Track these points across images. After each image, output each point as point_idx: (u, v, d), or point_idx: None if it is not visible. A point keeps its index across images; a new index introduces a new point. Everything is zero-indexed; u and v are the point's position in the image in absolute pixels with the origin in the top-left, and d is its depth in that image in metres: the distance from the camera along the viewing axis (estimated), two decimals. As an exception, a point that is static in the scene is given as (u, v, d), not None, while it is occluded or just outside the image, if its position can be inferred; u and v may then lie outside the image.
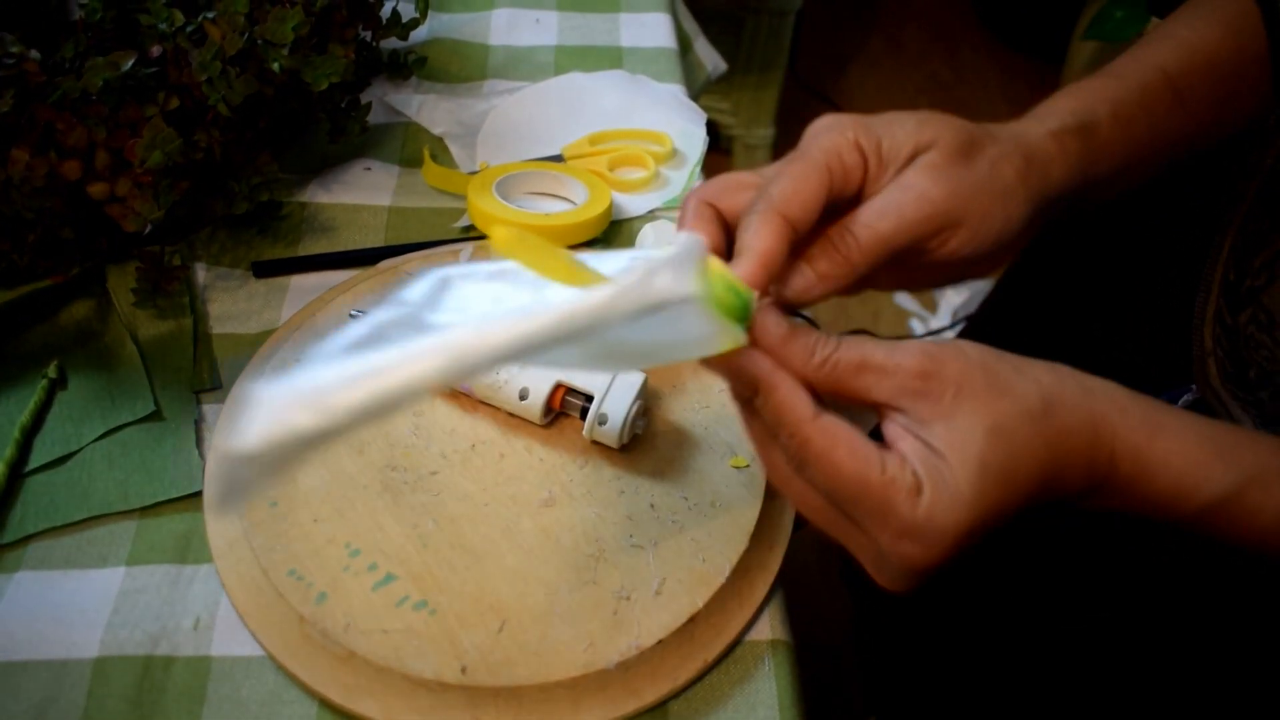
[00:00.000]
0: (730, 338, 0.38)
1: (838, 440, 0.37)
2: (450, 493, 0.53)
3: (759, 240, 0.40)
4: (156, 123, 0.57)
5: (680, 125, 0.79)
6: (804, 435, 0.38)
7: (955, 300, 1.79)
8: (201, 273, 0.66)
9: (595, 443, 0.55)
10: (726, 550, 0.51)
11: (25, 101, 0.54)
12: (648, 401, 0.57)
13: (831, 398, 0.40)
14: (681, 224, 0.44)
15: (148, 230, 0.60)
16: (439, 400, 0.57)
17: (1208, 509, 0.40)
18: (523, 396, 0.55)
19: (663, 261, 0.35)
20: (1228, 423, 0.41)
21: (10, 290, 0.61)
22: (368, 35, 0.78)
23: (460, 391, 0.57)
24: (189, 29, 0.61)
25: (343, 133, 0.73)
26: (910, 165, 0.43)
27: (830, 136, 0.44)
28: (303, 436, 0.29)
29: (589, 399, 0.54)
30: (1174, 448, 0.39)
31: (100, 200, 0.58)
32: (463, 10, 0.90)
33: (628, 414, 0.53)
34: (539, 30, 0.88)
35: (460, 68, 0.84)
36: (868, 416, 0.41)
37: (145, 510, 0.53)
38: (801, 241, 0.42)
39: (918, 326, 1.77)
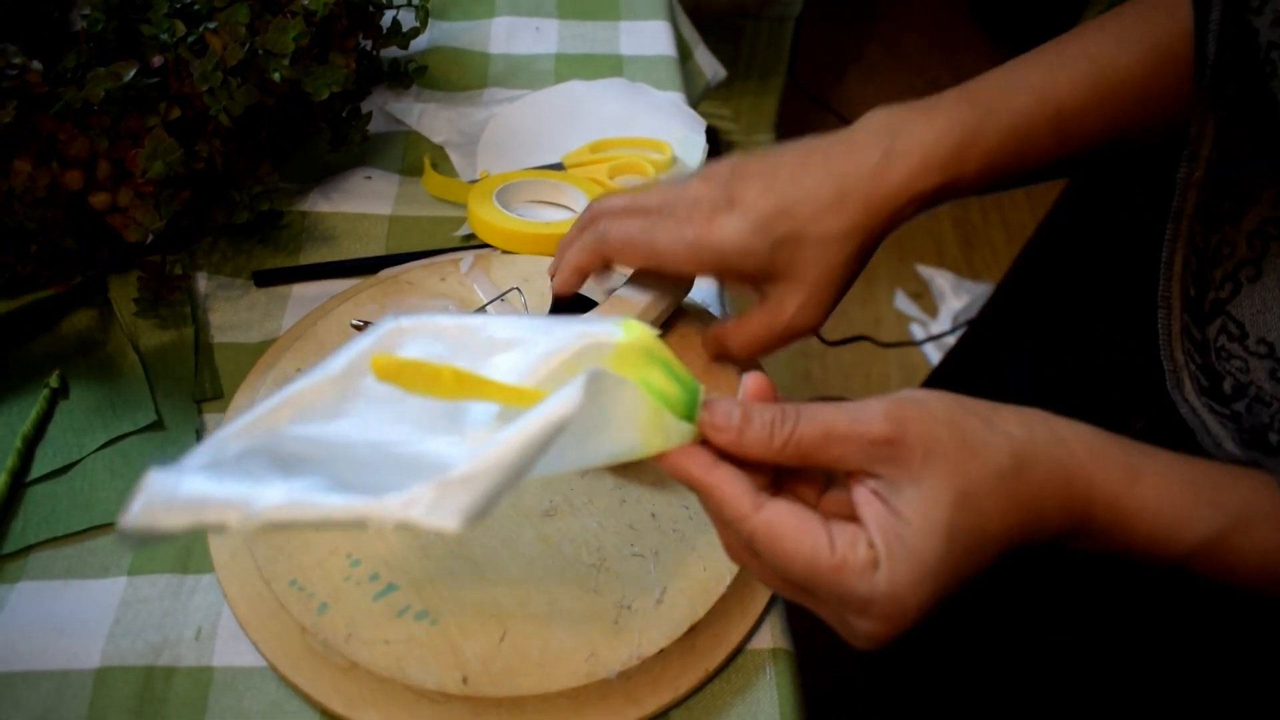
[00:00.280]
0: (677, 434, 0.38)
1: (783, 531, 0.37)
2: (451, 502, 0.53)
3: None
4: (158, 133, 0.57)
5: (680, 133, 0.79)
6: (749, 530, 0.38)
7: (956, 305, 1.79)
8: (203, 282, 0.66)
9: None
10: (728, 559, 0.51)
11: (27, 112, 0.55)
12: None
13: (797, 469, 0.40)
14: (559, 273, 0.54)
15: (149, 240, 0.60)
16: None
17: (1191, 555, 0.39)
18: None
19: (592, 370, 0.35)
20: (1210, 461, 0.41)
21: (12, 300, 0.61)
22: (368, 44, 0.79)
23: None
24: (190, 39, 0.61)
25: (343, 142, 0.73)
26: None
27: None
28: (167, 532, 0.32)
29: None
30: (1153, 494, 0.39)
31: (102, 210, 0.58)
32: (463, 19, 0.90)
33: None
34: (539, 38, 0.88)
35: (460, 76, 0.84)
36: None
37: (147, 520, 0.53)
38: None
39: (918, 331, 1.77)
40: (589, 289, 0.58)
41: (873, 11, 2.48)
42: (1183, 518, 0.39)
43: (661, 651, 0.48)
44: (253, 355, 0.61)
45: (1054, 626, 0.67)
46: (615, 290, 0.57)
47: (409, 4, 0.80)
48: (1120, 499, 0.39)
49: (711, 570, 0.51)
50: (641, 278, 0.58)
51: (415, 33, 0.79)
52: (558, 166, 0.75)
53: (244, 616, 0.49)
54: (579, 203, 0.71)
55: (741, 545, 0.40)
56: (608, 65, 0.86)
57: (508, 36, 0.88)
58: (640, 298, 0.57)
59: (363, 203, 0.72)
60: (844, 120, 2.08)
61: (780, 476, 0.41)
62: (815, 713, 0.51)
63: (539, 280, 0.65)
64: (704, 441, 0.39)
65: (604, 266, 0.56)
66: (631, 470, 0.55)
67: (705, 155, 0.78)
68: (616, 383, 0.36)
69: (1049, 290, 0.76)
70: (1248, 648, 0.54)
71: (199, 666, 0.48)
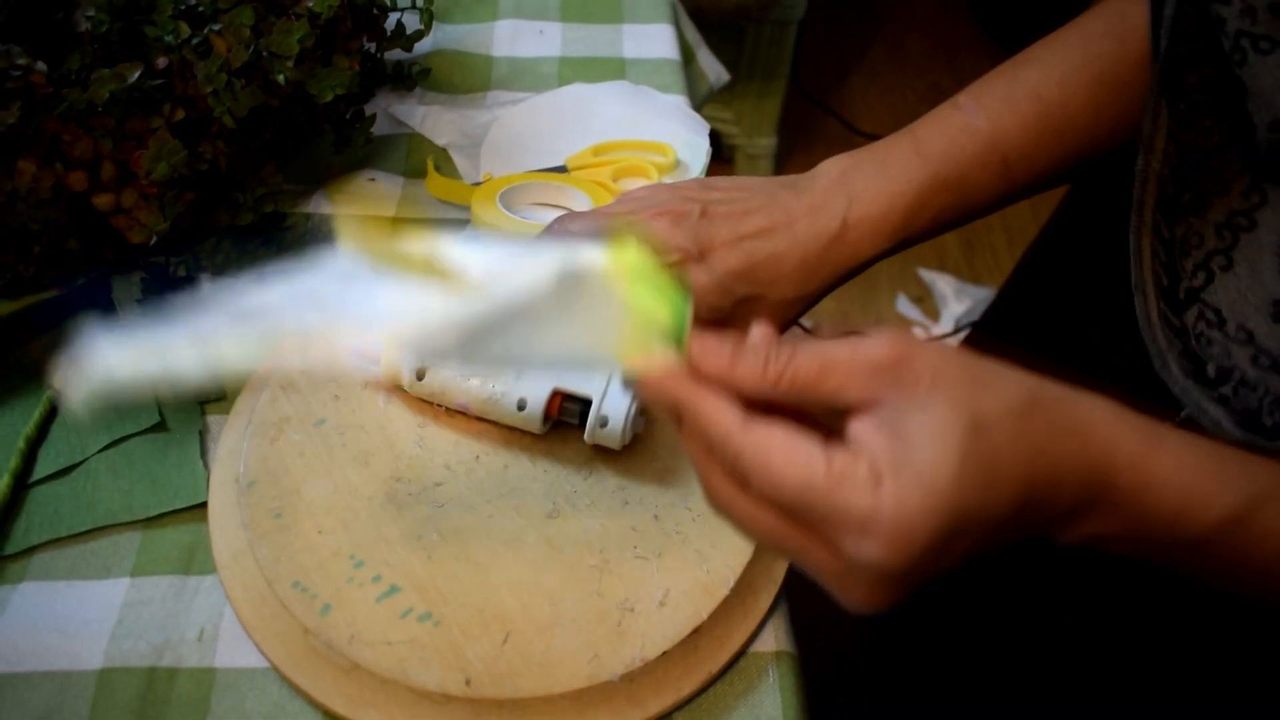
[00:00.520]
0: (660, 356, 0.37)
1: (771, 446, 0.34)
2: (454, 504, 0.53)
3: None
4: (162, 134, 0.57)
5: (684, 136, 0.79)
6: (735, 449, 0.35)
7: (958, 309, 1.79)
8: (206, 284, 0.66)
9: (597, 447, 0.55)
10: (730, 561, 0.51)
11: (31, 113, 0.55)
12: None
13: (801, 408, 0.37)
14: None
15: (153, 241, 0.60)
16: (442, 414, 0.57)
17: (1217, 529, 0.36)
18: (520, 407, 0.54)
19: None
20: (1221, 443, 0.38)
21: (15, 301, 0.61)
22: (372, 47, 0.79)
23: (457, 410, 0.57)
24: (195, 41, 0.61)
25: (347, 144, 0.73)
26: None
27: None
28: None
29: (587, 404, 0.54)
30: (1176, 461, 0.36)
31: (106, 211, 0.58)
32: (466, 21, 0.90)
33: (627, 414, 0.53)
34: (542, 41, 0.89)
35: (464, 79, 0.84)
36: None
37: (150, 521, 0.53)
38: None
39: (920, 335, 1.77)
40: None
41: (875, 15, 2.48)
42: (1209, 488, 0.36)
43: (664, 654, 0.48)
44: (256, 357, 0.61)
45: (1054, 630, 0.67)
46: None
47: (413, 6, 0.80)
48: (1144, 461, 0.35)
49: (715, 573, 0.51)
50: None
51: (419, 35, 0.79)
52: (561, 169, 0.75)
53: (246, 618, 0.49)
54: (582, 205, 0.71)
55: (725, 477, 0.37)
56: (611, 68, 0.86)
57: (511, 39, 0.88)
58: None
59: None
60: (846, 124, 2.09)
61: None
62: (818, 716, 0.51)
63: (542, 282, 0.65)
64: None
65: None
66: (634, 471, 0.55)
67: (708, 158, 0.78)
68: (596, 288, 0.36)
69: (1050, 294, 0.76)
70: (1245, 638, 0.54)
71: (201, 667, 0.48)
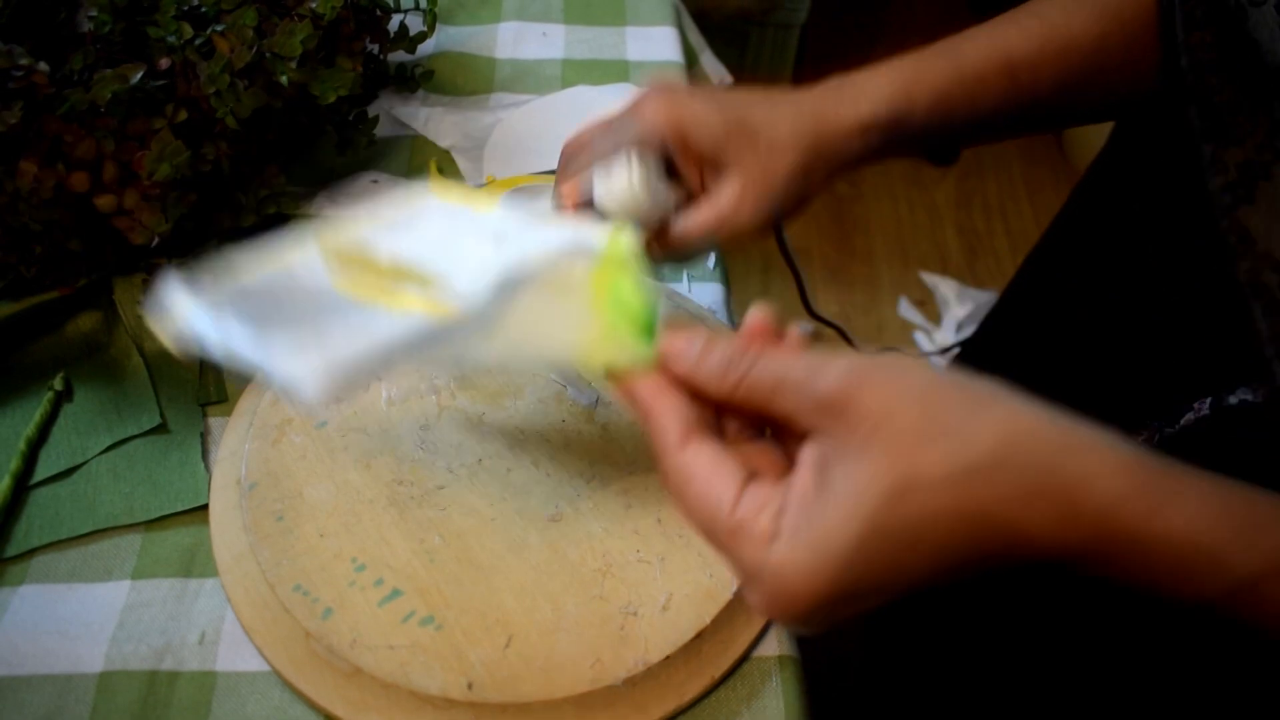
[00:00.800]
0: (634, 353, 0.38)
1: (693, 476, 0.35)
2: (457, 507, 0.53)
3: None
4: (164, 135, 0.57)
5: (687, 139, 0.79)
6: (667, 465, 0.36)
7: (960, 313, 1.79)
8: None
9: (599, 451, 0.55)
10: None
11: (34, 113, 0.54)
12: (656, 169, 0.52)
13: (758, 419, 0.38)
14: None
15: (155, 243, 0.60)
16: (446, 415, 0.57)
17: (1222, 596, 0.33)
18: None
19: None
20: (1250, 490, 0.34)
21: (17, 302, 0.61)
22: (375, 48, 0.78)
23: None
24: (198, 42, 0.61)
25: (350, 145, 0.73)
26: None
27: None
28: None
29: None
30: (1185, 523, 0.33)
31: (108, 212, 0.58)
32: (470, 23, 0.90)
33: (631, 172, 0.49)
34: (546, 44, 0.88)
35: (467, 81, 0.84)
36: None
37: (150, 524, 0.53)
38: None
39: (922, 339, 1.77)
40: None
41: (877, 20, 2.48)
42: (1216, 556, 0.33)
43: (667, 658, 0.48)
44: (258, 358, 0.61)
45: (1055, 634, 0.67)
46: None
47: (416, 8, 0.80)
48: (1144, 527, 0.32)
49: (718, 577, 0.51)
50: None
51: (422, 37, 0.79)
52: (564, 171, 0.75)
53: (248, 621, 0.49)
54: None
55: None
56: (614, 70, 0.86)
57: (514, 41, 0.88)
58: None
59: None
60: (848, 127, 2.09)
61: (770, 427, 0.39)
62: (821, 721, 0.51)
63: (545, 285, 0.65)
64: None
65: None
66: (637, 474, 0.55)
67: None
68: (555, 291, 0.37)
69: (1053, 299, 0.76)
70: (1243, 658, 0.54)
71: (202, 671, 0.48)
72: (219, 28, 0.61)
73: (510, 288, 0.36)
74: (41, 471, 0.55)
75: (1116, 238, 0.69)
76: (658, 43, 0.89)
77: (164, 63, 0.60)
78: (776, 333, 0.39)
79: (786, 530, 0.33)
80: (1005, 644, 0.72)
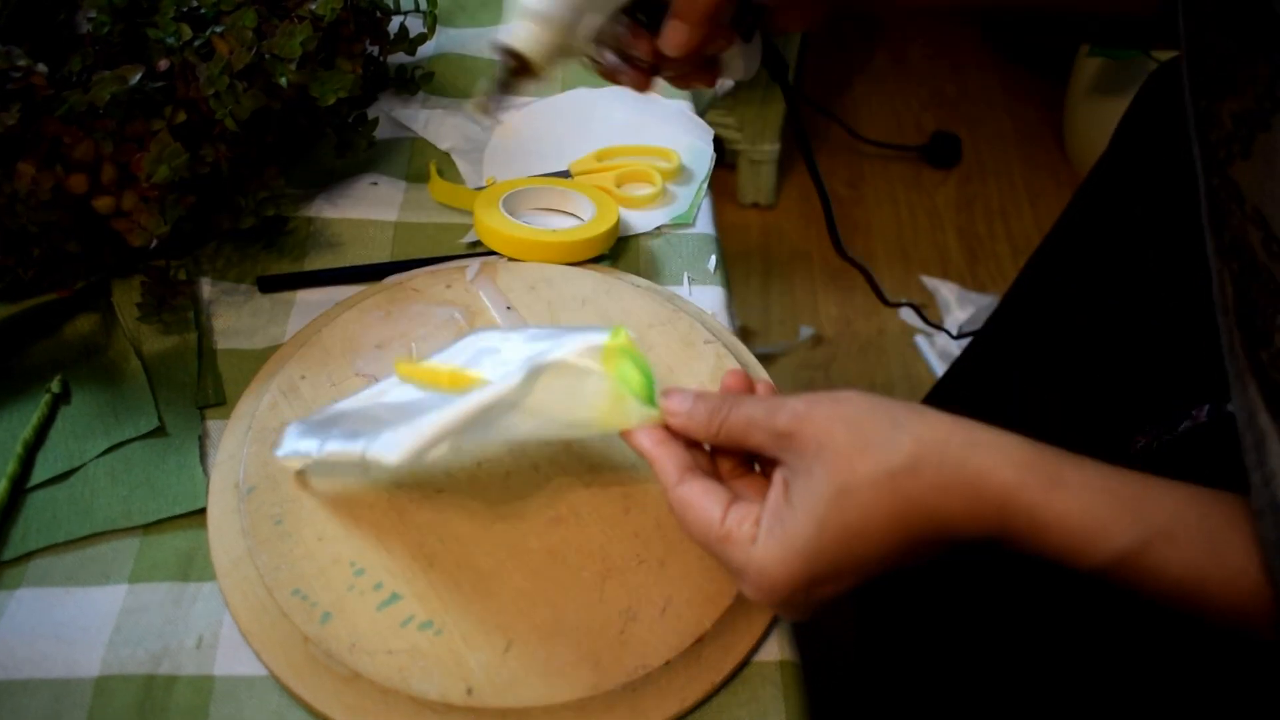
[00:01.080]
0: (639, 415, 0.47)
1: (689, 504, 0.45)
2: (456, 511, 0.52)
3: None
4: (163, 137, 0.57)
5: (687, 141, 0.79)
6: (670, 498, 0.46)
7: (961, 316, 1.78)
8: (206, 287, 0.66)
9: (601, 454, 0.55)
10: (735, 570, 0.51)
11: (32, 115, 0.54)
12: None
13: (743, 455, 0.48)
14: None
15: (153, 244, 0.60)
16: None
17: (1110, 564, 0.40)
18: None
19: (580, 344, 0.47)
20: (1139, 473, 0.42)
21: (14, 304, 0.61)
22: (375, 50, 0.78)
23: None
24: (197, 43, 0.61)
25: (349, 148, 0.73)
26: None
27: None
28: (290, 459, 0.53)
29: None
30: (1072, 504, 0.40)
31: (106, 214, 0.58)
32: (470, 25, 0.90)
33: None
34: (546, 46, 0.88)
35: (467, 83, 0.84)
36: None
37: (148, 527, 0.53)
38: None
39: (923, 342, 1.76)
40: None
41: (878, 22, 2.48)
42: (1102, 528, 0.40)
43: (667, 663, 0.47)
44: (256, 361, 0.61)
45: (1049, 640, 0.67)
46: None
47: (416, 10, 0.80)
48: (1037, 508, 0.40)
49: (718, 581, 0.50)
50: None
51: (422, 39, 0.79)
52: (564, 174, 0.75)
53: (246, 625, 0.49)
54: (586, 210, 0.71)
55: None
56: (615, 73, 0.86)
57: (514, 43, 0.88)
58: None
59: (368, 209, 0.72)
60: (849, 130, 2.09)
61: (760, 459, 0.48)
62: (822, 726, 0.51)
63: (544, 289, 0.65)
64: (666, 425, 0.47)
65: None
66: (636, 478, 0.54)
67: (712, 164, 0.77)
68: (575, 372, 0.46)
69: (1053, 303, 0.76)
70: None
71: (200, 675, 0.48)
72: (218, 29, 0.61)
73: (538, 372, 0.46)
74: (39, 474, 0.54)
75: (1117, 242, 0.69)
76: (658, 45, 0.89)
77: (163, 64, 0.60)
78: (750, 385, 0.49)
79: (762, 534, 0.43)
80: (1002, 647, 0.72)
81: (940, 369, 1.72)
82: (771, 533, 0.42)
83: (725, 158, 1.92)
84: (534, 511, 0.53)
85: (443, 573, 0.50)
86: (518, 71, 0.49)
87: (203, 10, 0.63)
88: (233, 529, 0.52)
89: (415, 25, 0.80)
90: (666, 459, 0.46)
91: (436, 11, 0.79)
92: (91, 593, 0.50)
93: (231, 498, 0.53)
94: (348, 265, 0.68)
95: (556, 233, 0.67)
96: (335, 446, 0.49)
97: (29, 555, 0.52)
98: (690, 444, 0.48)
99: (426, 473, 0.54)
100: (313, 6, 0.63)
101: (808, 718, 0.49)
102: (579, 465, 0.55)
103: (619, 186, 0.74)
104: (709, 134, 0.80)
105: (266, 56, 0.61)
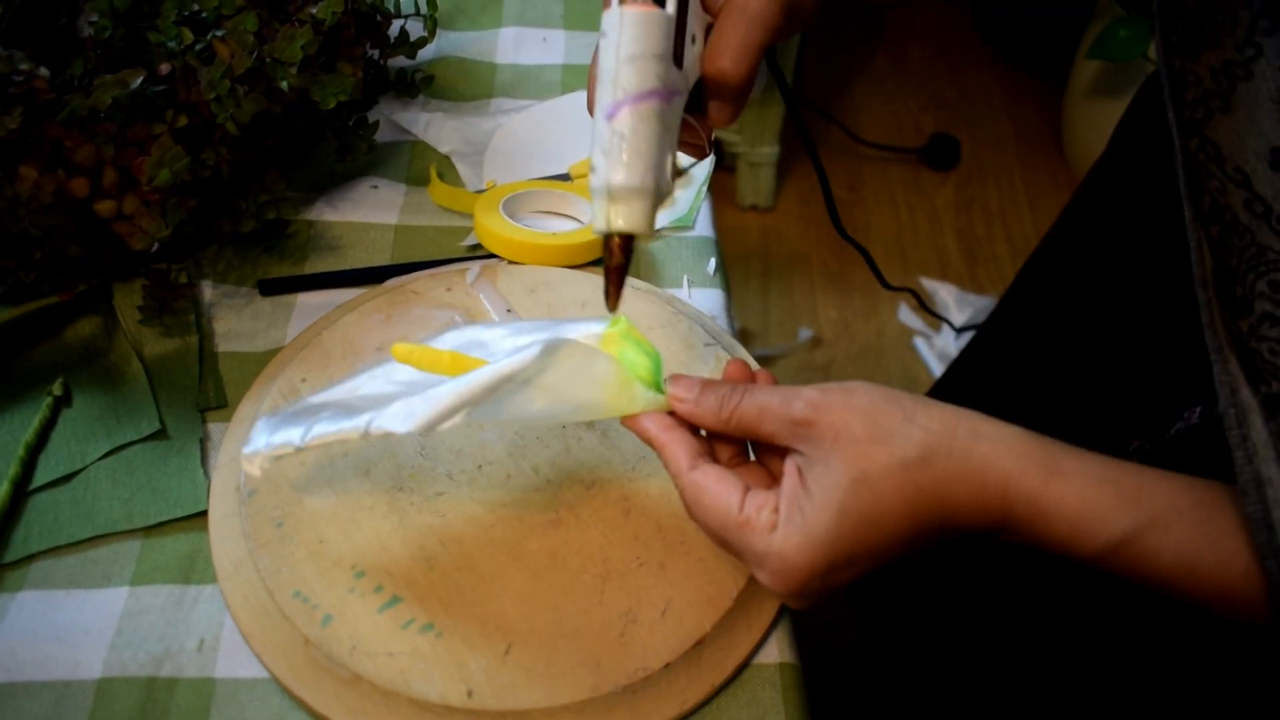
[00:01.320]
0: (644, 400, 0.47)
1: (703, 490, 0.44)
2: (457, 514, 0.52)
3: None
4: (165, 141, 0.57)
5: (687, 144, 0.79)
6: (681, 484, 0.45)
7: (960, 318, 1.79)
8: (208, 291, 0.66)
9: (600, 456, 0.55)
10: (734, 572, 0.51)
11: (34, 119, 0.54)
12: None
13: (749, 440, 0.48)
14: None
15: (154, 248, 0.60)
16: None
17: (1106, 551, 0.41)
18: None
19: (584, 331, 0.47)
20: (1135, 465, 0.43)
21: (16, 307, 0.61)
22: (375, 54, 0.78)
23: None
24: (198, 47, 0.61)
25: (350, 151, 0.73)
26: None
27: None
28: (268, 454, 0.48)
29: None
30: (1070, 492, 0.41)
31: (108, 218, 0.58)
32: (470, 29, 0.90)
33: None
34: (546, 49, 0.88)
35: (467, 86, 0.84)
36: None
37: (149, 530, 0.53)
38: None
39: (921, 344, 1.77)
40: None
41: (878, 24, 2.48)
42: (1099, 515, 0.41)
43: (667, 665, 0.47)
44: (257, 364, 0.61)
45: (1055, 636, 0.67)
46: None
47: (417, 14, 0.80)
48: (1036, 495, 0.41)
49: (718, 583, 0.50)
50: None
51: (423, 42, 0.79)
52: (564, 177, 0.75)
53: (247, 628, 0.49)
54: (585, 213, 0.71)
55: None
56: (614, 76, 0.86)
57: (515, 47, 0.88)
58: None
59: (369, 212, 0.72)
60: (849, 133, 2.09)
61: (755, 449, 0.48)
62: (822, 728, 0.51)
63: (544, 292, 0.65)
64: (671, 412, 0.47)
65: None
66: (637, 481, 0.54)
67: (711, 166, 0.77)
68: (585, 353, 0.46)
69: (1050, 304, 0.76)
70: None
71: (201, 678, 0.48)
72: (219, 33, 0.61)
73: (554, 348, 0.45)
74: (40, 477, 0.55)
75: (1114, 244, 0.69)
76: (658, 48, 0.89)
77: (164, 68, 0.60)
78: (750, 376, 0.49)
79: (782, 521, 0.42)
80: (1001, 649, 0.72)
81: (939, 370, 1.72)
82: (791, 520, 0.42)
83: (724, 160, 1.93)
84: (534, 514, 0.53)
85: (443, 575, 0.50)
86: (627, 249, 0.47)
87: (204, 14, 0.63)
88: (234, 532, 0.52)
89: (416, 29, 0.80)
90: (676, 444, 0.46)
91: (437, 15, 0.79)
92: (93, 595, 0.50)
93: (233, 500, 0.53)
94: (348, 268, 0.68)
95: (557, 236, 0.67)
96: (325, 429, 0.46)
97: (31, 558, 0.52)
98: (693, 431, 0.47)
99: (427, 475, 0.54)
100: (314, 10, 0.63)
101: (807, 720, 0.49)
102: (579, 468, 0.55)
103: (619, 189, 0.74)
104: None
105: (267, 60, 0.61)
